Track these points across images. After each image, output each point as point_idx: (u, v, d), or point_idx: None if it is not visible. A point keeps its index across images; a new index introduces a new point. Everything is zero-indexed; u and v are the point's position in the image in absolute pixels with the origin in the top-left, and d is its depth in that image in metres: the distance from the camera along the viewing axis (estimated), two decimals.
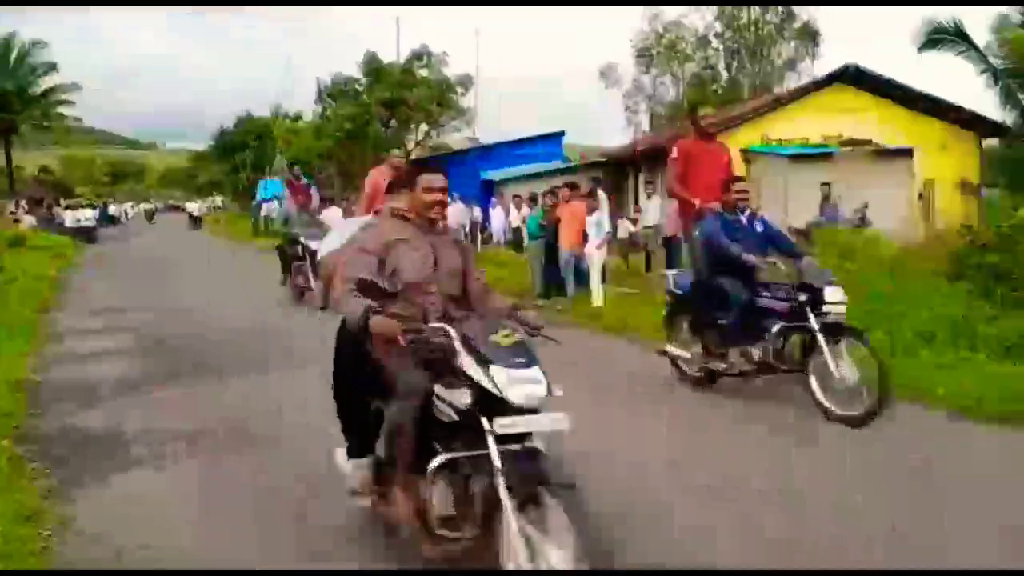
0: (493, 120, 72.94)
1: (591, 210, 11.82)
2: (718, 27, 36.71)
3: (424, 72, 28.53)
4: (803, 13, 35.87)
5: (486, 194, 26.19)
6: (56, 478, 4.81)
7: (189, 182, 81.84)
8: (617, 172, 24.79)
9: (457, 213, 22.57)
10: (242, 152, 50.86)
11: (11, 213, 32.24)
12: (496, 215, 23.71)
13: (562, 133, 31.68)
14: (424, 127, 29.95)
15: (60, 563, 3.77)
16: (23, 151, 54.35)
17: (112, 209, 51.89)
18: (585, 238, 11.64)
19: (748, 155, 18.71)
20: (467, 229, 22.35)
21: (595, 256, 11.51)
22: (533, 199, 14.52)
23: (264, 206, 36.07)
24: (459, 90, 28.69)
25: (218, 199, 60.17)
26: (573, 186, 12.53)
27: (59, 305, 12.85)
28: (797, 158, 17.58)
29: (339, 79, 29.22)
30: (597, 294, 11.30)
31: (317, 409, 6.30)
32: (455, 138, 34.57)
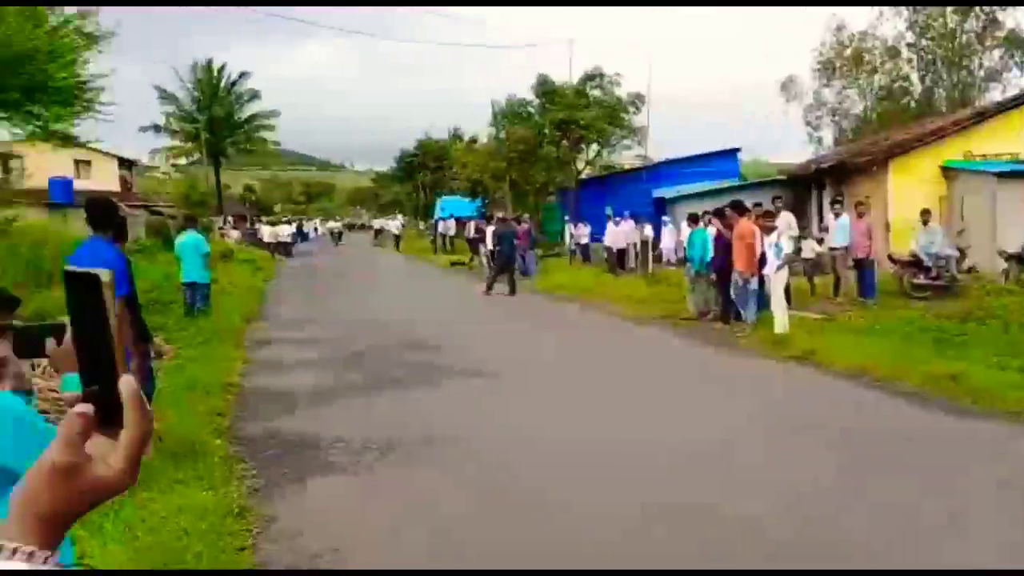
0: (666, 138, 72.13)
1: (768, 230, 11.23)
2: (910, 37, 34.04)
3: (596, 92, 28.57)
4: (1008, 19, 32.43)
5: (658, 212, 25.73)
6: (262, 478, 5.14)
7: (373, 201, 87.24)
8: (797, 189, 23.54)
9: (626, 232, 22.42)
10: (421, 173, 53.56)
11: (220, 229, 35.75)
12: (667, 234, 23.25)
13: (737, 149, 30.60)
14: (595, 146, 29.97)
15: (261, 560, 3.99)
16: (230, 172, 60.25)
17: (305, 226, 56.11)
18: (763, 260, 11.09)
19: (949, 172, 17.15)
20: (637, 248, 22.08)
21: (775, 279, 10.89)
22: (693, 218, 14.00)
23: (442, 224, 37.81)
24: (631, 109, 28.49)
25: (399, 218, 63.61)
26: (738, 205, 11.84)
27: (262, 315, 13.95)
28: (1006, 176, 15.83)
29: (513, 101, 29.95)
30: (781, 320, 10.63)
31: (504, 420, 6.49)
32: (625, 156, 34.33)
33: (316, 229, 62.28)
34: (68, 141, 14.45)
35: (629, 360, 9.51)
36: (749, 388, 7.85)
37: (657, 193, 27.42)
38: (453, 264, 27.57)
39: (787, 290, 11.61)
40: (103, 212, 4.79)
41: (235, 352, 9.73)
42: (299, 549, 4.06)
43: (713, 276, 12.30)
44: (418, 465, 5.42)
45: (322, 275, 23.84)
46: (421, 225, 52.43)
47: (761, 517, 4.35)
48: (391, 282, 21.31)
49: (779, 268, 10.85)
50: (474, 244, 27.07)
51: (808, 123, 36.82)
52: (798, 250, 13.78)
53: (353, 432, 6.16)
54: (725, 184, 25.77)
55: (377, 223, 56.91)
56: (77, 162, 32.33)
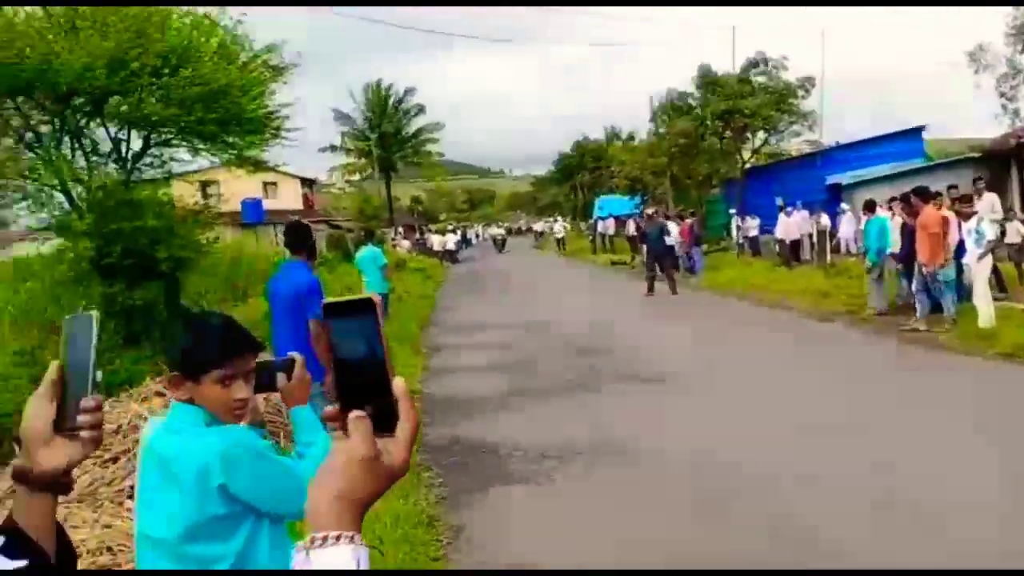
0: (841, 121, 67.74)
1: (966, 216, 10.15)
2: None
3: (761, 79, 27.21)
4: None
5: (834, 200, 24.17)
6: (447, 486, 5.28)
7: (531, 205, 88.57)
8: (993, 167, 21.23)
9: (799, 222, 21.22)
10: (579, 174, 53.72)
11: (392, 240, 37.67)
12: (846, 222, 21.79)
13: (921, 128, 28.11)
14: (761, 134, 28.57)
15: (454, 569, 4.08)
16: (398, 185, 63.26)
17: (468, 233, 57.91)
18: (961, 249, 10.07)
19: None
20: (813, 239, 20.84)
21: (977, 269, 9.83)
22: (870, 206, 12.79)
23: (601, 223, 37.66)
24: (800, 93, 26.86)
25: (560, 221, 64.05)
26: (923, 191, 10.68)
27: (435, 321, 14.48)
28: None
29: (672, 95, 29.19)
30: (985, 312, 9.58)
31: (682, 427, 6.29)
32: (794, 143, 32.52)
33: (478, 235, 64.10)
34: (259, 166, 15.69)
35: (810, 362, 8.95)
36: (957, 394, 7.12)
37: (832, 179, 25.73)
38: (614, 264, 27.35)
39: (998, 278, 10.49)
40: (299, 236, 5.09)
41: (414, 359, 10.13)
42: (489, 560, 4.12)
43: (899, 267, 11.36)
44: (598, 475, 5.36)
45: (487, 280, 24.43)
46: (582, 226, 52.54)
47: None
48: (553, 284, 21.45)
49: (981, 256, 9.80)
50: (635, 243, 26.73)
51: (1002, 94, 33.10)
52: (1002, 234, 12.39)
53: (530, 439, 6.21)
54: (909, 166, 23.75)
55: (538, 226, 57.68)
56: (265, 184, 35.18)
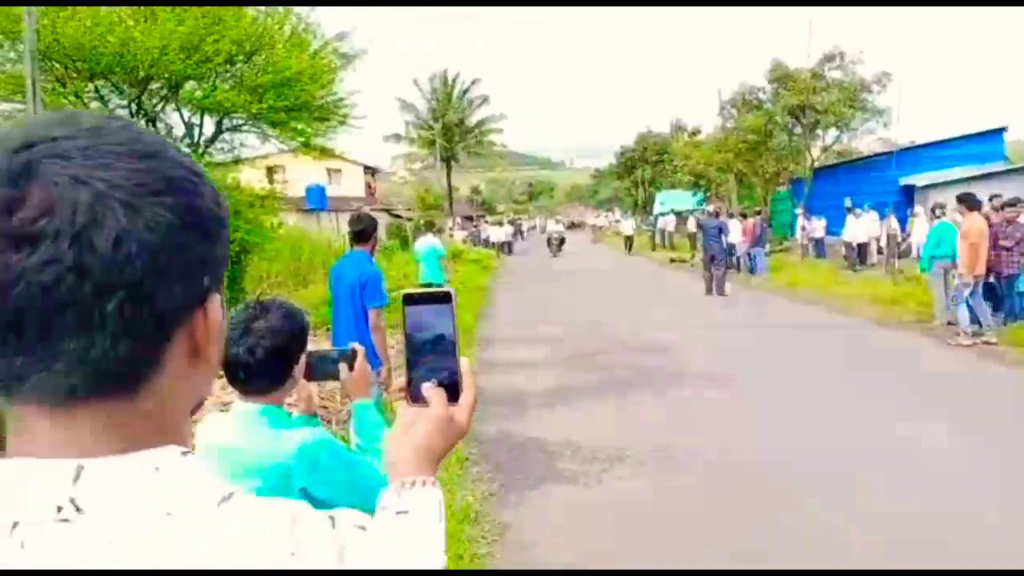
0: (918, 119, 65.28)
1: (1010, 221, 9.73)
2: None
3: (836, 74, 26.32)
4: None
5: (906, 202, 23.35)
6: (496, 482, 5.27)
7: (590, 197, 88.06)
8: None
9: (866, 224, 20.51)
10: (641, 168, 53.12)
11: (449, 229, 38.00)
12: (918, 225, 21.01)
13: (1003, 129, 26.92)
14: (833, 132, 27.68)
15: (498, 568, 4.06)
16: (458, 174, 63.65)
17: (524, 226, 57.90)
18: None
19: None
20: (881, 242, 20.12)
21: None
22: (935, 211, 12.30)
23: (661, 219, 37.19)
24: (875, 89, 25.91)
25: (617, 213, 63.45)
26: (968, 198, 10.16)
27: (488, 314, 14.51)
28: None
29: (743, 89, 28.49)
30: None
31: (739, 433, 6.15)
32: (866, 141, 31.50)
33: (534, 227, 63.89)
34: (325, 153, 15.97)
35: (873, 371, 8.65)
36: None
37: (905, 181, 24.88)
38: (672, 261, 26.97)
39: None
40: (364, 228, 5.17)
41: (467, 351, 10.15)
42: (534, 560, 4.09)
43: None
44: (649, 478, 5.28)
45: (541, 274, 24.36)
46: (635, 221, 52.07)
47: None
48: (609, 280, 21.26)
49: None
50: (694, 240, 26.30)
51: None
52: None
53: (582, 438, 6.15)
54: (987, 169, 22.78)
55: (598, 220, 57.22)
56: (329, 170, 35.77)
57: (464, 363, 0.94)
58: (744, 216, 22.39)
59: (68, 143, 0.56)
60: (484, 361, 9.71)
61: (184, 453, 0.61)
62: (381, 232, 31.38)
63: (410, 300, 0.95)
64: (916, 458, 5.46)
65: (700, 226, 19.52)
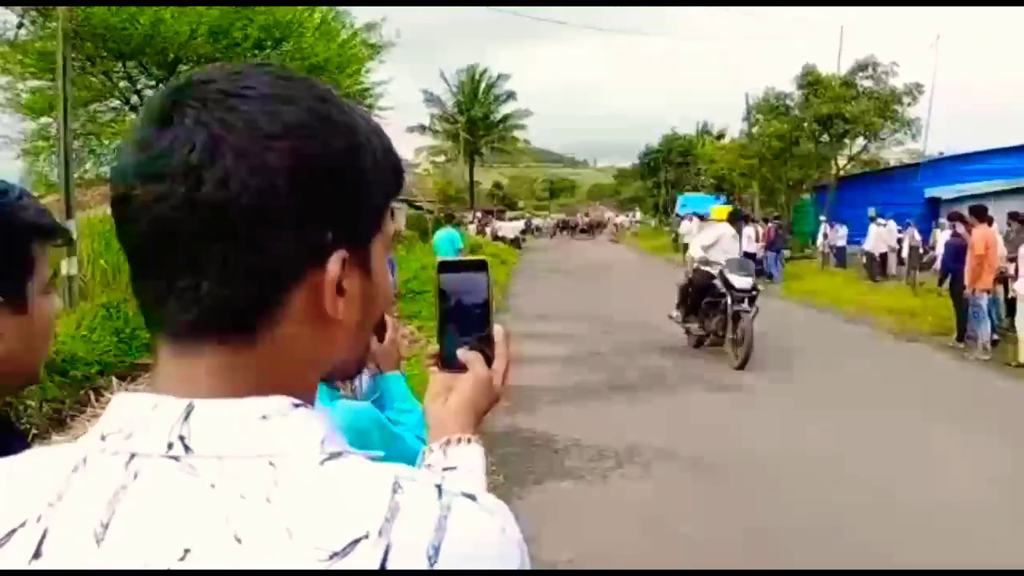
0: (949, 131, 64.36)
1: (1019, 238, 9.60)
2: None
3: (868, 83, 25.97)
4: None
5: (932, 214, 23.08)
6: (500, 475, 5.28)
7: (613, 197, 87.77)
8: None
9: (885, 235, 20.24)
10: (664, 169, 52.88)
11: (468, 223, 38.16)
12: (942, 238, 20.75)
13: None
14: (860, 141, 27.37)
15: None
16: (481, 169, 63.69)
17: (536, 222, 57.62)
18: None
19: None
20: (902, 253, 19.86)
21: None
22: (954, 219, 12.06)
23: (683, 223, 36.96)
24: (906, 100, 25.57)
25: (638, 214, 63.16)
26: (978, 210, 10.05)
27: (506, 307, 14.52)
28: None
29: (771, 94, 28.20)
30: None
31: (749, 438, 6.12)
32: (895, 152, 31.16)
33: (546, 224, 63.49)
34: None
35: (886, 382, 8.57)
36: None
37: (931, 193, 24.59)
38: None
39: None
40: None
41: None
42: (534, 555, 4.09)
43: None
44: (655, 479, 5.27)
45: (554, 271, 24.31)
46: (653, 222, 51.83)
47: None
48: (623, 280, 21.19)
49: None
50: None
51: None
52: None
53: (590, 436, 6.16)
54: (1017, 184, 22.44)
55: (619, 219, 57.03)
56: None
57: (498, 330, 0.94)
58: (765, 221, 22.23)
59: (211, 86, 0.57)
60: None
61: (296, 405, 0.59)
62: (401, 222, 31.49)
63: (445, 268, 0.95)
64: (926, 460, 5.41)
65: None
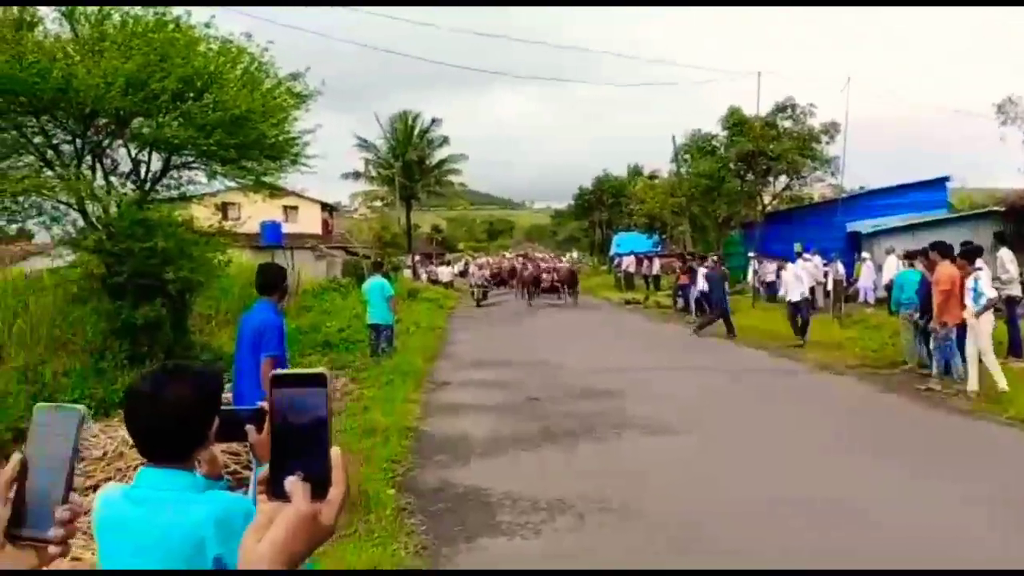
0: (864, 168, 67.45)
1: (965, 273, 9.90)
2: None
3: (787, 124, 27.15)
4: None
5: (852, 248, 23.95)
6: (430, 534, 5.13)
7: (550, 238, 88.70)
8: (1018, 222, 20.91)
9: (811, 270, 20.85)
10: (598, 210, 53.77)
11: (407, 267, 38.05)
12: (865, 271, 21.51)
13: (946, 179, 27.88)
14: (783, 178, 28.44)
15: None
16: (419, 212, 63.56)
17: (470, 266, 57.63)
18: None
19: None
20: (828, 287, 20.47)
21: (977, 327, 9.47)
22: (910, 257, 12.53)
23: (624, 260, 37.48)
24: (823, 139, 26.76)
25: (574, 254, 63.86)
26: (941, 246, 10.41)
27: (442, 354, 14.36)
28: None
29: (697, 136, 29.15)
30: (995, 372, 9.28)
31: (687, 485, 6.06)
32: (816, 188, 32.35)
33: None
34: (276, 191, 15.79)
35: (817, 416, 8.73)
36: (963, 459, 6.89)
37: (851, 227, 25.53)
38: (628, 303, 27.10)
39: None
40: (273, 279, 5.21)
41: (415, 394, 10.00)
42: None
43: (918, 322, 11.11)
44: (588, 530, 5.18)
45: (493, 314, 24.26)
46: (591, 261, 52.42)
47: None
48: (562, 321, 21.26)
49: (979, 314, 9.49)
50: (647, 281, 26.67)
51: None
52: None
53: (523, 488, 6.04)
54: (930, 217, 23.52)
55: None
56: (286, 208, 35.46)
57: (336, 454, 0.87)
58: (703, 259, 22.70)
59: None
60: (432, 405, 9.57)
61: None
62: (336, 270, 31.01)
63: (279, 382, 0.88)
64: (849, 489, 5.47)
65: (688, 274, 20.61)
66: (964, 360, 9.77)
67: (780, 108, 27.31)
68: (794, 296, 15.20)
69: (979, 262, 10.02)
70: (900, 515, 5.28)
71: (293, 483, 0.84)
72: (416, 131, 49.83)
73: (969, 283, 9.68)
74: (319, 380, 0.88)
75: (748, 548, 4.77)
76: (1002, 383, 9.16)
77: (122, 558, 1.70)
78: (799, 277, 15.51)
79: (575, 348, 14.69)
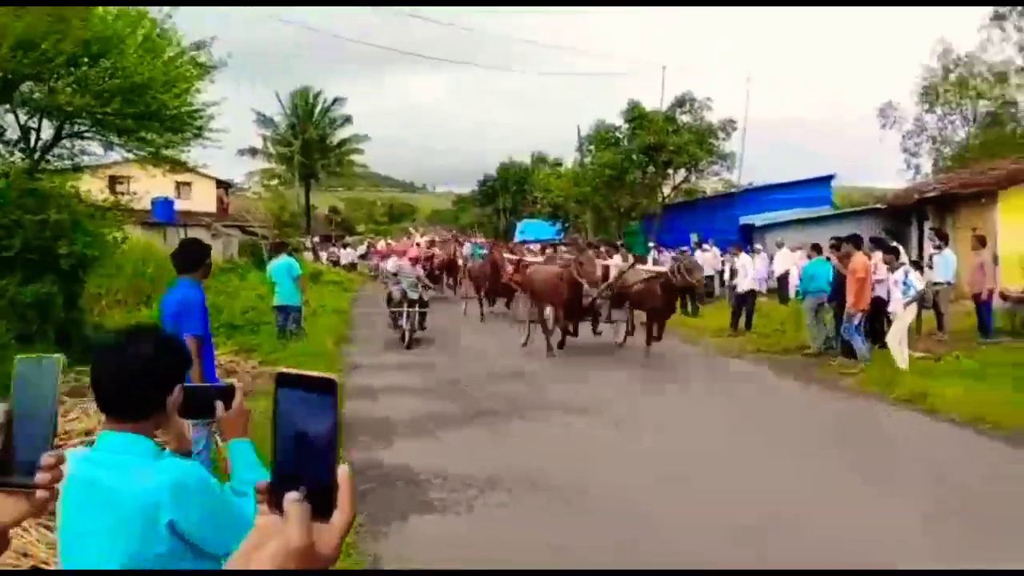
0: (758, 164, 70.51)
1: (892, 266, 10.88)
2: (1020, 60, 32.24)
3: (686, 118, 28.16)
4: None
5: (747, 239, 25.14)
6: (363, 513, 5.12)
7: (453, 223, 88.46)
8: (896, 219, 22.56)
9: (710, 260, 21.80)
10: (502, 196, 54.05)
11: (307, 249, 37.09)
12: (758, 261, 22.61)
13: (831, 177, 29.65)
14: (682, 172, 29.51)
15: None
16: (317, 192, 62.00)
17: (389, 261, 57.10)
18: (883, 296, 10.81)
19: None
20: (726, 276, 21.45)
21: (903, 315, 10.45)
22: (817, 249, 13.34)
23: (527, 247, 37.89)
24: (720, 135, 27.94)
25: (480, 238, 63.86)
26: (854, 239, 11.34)
27: (351, 337, 14.16)
28: None
29: (601, 128, 29.79)
30: (901, 357, 10.14)
31: (602, 458, 6.30)
32: (712, 182, 33.68)
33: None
34: (177, 165, 15.08)
35: (721, 398, 9.20)
36: (856, 434, 7.46)
37: (744, 220, 26.77)
38: None
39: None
40: (195, 256, 5.03)
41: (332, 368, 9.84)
42: None
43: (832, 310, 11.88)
44: (520, 504, 5.31)
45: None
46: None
47: None
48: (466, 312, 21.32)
49: (907, 304, 10.43)
50: None
51: (906, 150, 35.27)
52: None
53: (451, 466, 6.11)
54: (817, 212, 24.98)
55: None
56: (179, 183, 33.82)
57: (343, 472, 0.77)
58: (613, 247, 23.19)
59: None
60: (349, 388, 9.44)
61: None
62: (233, 249, 29.87)
63: (285, 381, 0.79)
64: (748, 470, 5.84)
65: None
66: (864, 343, 10.65)
67: (679, 102, 28.27)
68: (743, 287, 15.42)
69: (903, 256, 10.96)
70: (782, 482, 5.69)
71: (292, 505, 0.75)
72: (318, 109, 48.57)
73: (899, 276, 10.57)
74: (328, 386, 0.79)
75: (656, 514, 5.02)
76: (902, 366, 10.00)
77: (80, 518, 1.73)
78: (745, 268, 15.72)
79: (482, 333, 14.77)
